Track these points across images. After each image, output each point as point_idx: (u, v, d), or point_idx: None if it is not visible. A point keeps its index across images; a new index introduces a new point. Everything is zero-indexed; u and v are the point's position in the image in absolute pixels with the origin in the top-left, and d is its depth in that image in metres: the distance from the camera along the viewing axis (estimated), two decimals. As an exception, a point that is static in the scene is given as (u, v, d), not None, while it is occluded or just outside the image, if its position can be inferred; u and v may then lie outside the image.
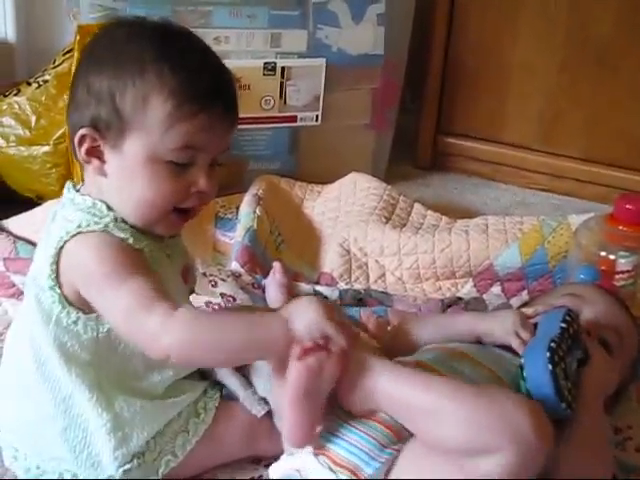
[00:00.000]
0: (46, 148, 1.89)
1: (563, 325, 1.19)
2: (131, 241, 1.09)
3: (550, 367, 1.11)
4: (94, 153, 1.10)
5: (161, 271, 1.12)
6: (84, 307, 1.10)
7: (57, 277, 1.09)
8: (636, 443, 1.30)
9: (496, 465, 1.00)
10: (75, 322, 1.10)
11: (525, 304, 1.48)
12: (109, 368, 1.13)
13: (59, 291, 1.09)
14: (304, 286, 1.64)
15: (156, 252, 1.13)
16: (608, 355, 1.30)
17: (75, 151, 1.12)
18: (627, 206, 1.58)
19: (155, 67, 1.07)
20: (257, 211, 1.79)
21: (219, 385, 1.23)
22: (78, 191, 1.14)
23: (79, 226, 1.08)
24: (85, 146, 1.10)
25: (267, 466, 1.21)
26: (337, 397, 1.11)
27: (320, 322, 1.04)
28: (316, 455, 1.10)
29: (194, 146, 1.08)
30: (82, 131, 1.09)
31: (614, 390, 1.33)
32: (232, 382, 1.22)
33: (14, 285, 1.57)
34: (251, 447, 1.22)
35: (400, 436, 1.09)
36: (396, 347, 1.30)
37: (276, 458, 1.17)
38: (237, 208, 1.86)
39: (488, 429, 1.01)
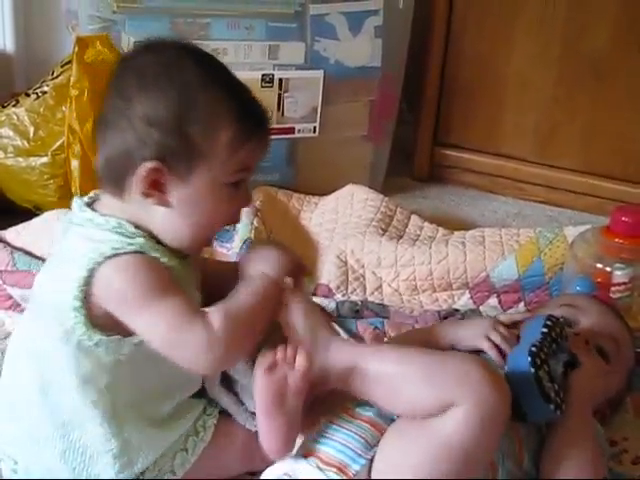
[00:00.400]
0: (44, 159, 1.89)
1: (544, 330, 1.20)
2: (163, 260, 1.09)
3: (532, 370, 1.12)
4: (157, 186, 1.08)
5: (185, 287, 1.12)
6: (107, 329, 1.08)
7: (85, 298, 1.06)
8: (632, 456, 1.31)
9: (461, 419, 1.02)
10: (97, 344, 1.08)
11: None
12: (125, 392, 1.12)
13: (84, 312, 1.06)
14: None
15: (182, 269, 1.13)
16: (605, 363, 1.30)
17: (121, 182, 1.09)
18: (623, 218, 1.58)
19: (216, 94, 1.07)
20: (254, 222, 1.80)
21: (216, 402, 1.23)
22: (90, 207, 1.12)
23: (113, 248, 1.06)
24: (149, 180, 1.07)
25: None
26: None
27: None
28: (305, 457, 1.11)
29: (248, 167, 1.11)
30: (149, 165, 1.06)
31: (610, 399, 1.34)
32: (225, 401, 1.23)
33: (11, 297, 1.57)
34: (248, 463, 1.22)
35: None
36: None
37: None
38: (234, 219, 1.86)
39: (445, 384, 1.04)
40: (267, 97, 1.98)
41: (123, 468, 1.12)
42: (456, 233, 1.88)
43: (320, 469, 1.09)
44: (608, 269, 1.57)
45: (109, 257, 1.05)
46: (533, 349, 1.14)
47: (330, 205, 1.97)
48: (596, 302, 1.42)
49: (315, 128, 2.06)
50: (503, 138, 2.27)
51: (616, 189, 2.17)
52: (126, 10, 1.79)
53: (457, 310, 1.69)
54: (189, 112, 1.06)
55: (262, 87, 1.97)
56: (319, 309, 1.21)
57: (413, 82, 2.25)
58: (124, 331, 1.08)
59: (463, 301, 1.72)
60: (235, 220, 1.15)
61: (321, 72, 2.01)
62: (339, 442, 1.11)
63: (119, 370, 1.10)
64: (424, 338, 1.33)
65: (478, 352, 1.28)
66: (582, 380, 1.21)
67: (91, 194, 1.16)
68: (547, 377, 1.14)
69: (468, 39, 2.22)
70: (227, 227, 1.81)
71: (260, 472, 1.22)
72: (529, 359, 1.13)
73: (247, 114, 1.09)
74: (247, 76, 1.93)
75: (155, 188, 1.08)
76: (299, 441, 1.13)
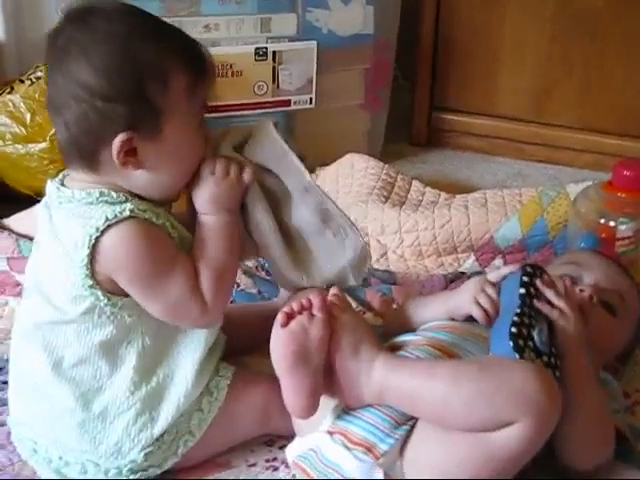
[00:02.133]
0: (42, 145, 1.89)
1: (522, 291, 1.18)
2: (154, 219, 1.11)
3: (517, 356, 1.09)
4: (132, 153, 1.09)
5: (177, 238, 1.15)
6: (125, 292, 1.12)
7: (94, 275, 1.09)
8: (644, 407, 1.31)
9: (514, 436, 1.01)
10: (121, 308, 1.12)
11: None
12: (148, 346, 1.15)
13: (99, 287, 1.09)
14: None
15: (171, 222, 1.14)
16: (612, 317, 1.31)
17: (94, 158, 1.10)
18: (625, 172, 1.58)
19: (160, 49, 1.09)
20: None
21: (229, 365, 1.25)
22: (64, 185, 1.14)
23: (107, 219, 1.07)
24: (124, 150, 1.08)
25: (281, 448, 1.23)
26: (342, 398, 1.11)
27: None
28: (331, 434, 1.11)
29: (205, 105, 1.15)
30: (121, 137, 1.07)
31: (620, 352, 1.34)
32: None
33: (19, 284, 1.58)
34: (265, 425, 1.24)
35: None
36: (399, 325, 1.30)
37: (291, 438, 1.18)
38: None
39: (498, 404, 1.01)
40: (262, 70, 1.98)
41: (144, 427, 1.14)
42: (458, 197, 1.87)
43: (347, 448, 1.09)
44: (612, 224, 1.57)
45: (104, 230, 1.07)
46: (513, 330, 1.11)
47: (331, 175, 1.97)
48: (598, 257, 1.43)
49: (311, 99, 2.05)
50: (500, 99, 2.27)
51: (614, 144, 2.17)
52: (115, -10, 1.79)
53: (463, 273, 1.69)
54: (142, 75, 1.07)
55: (256, 61, 1.97)
56: (363, 320, 1.20)
57: (407, 48, 2.24)
58: None
59: (468, 264, 1.73)
60: (208, 155, 1.16)
61: (314, 43, 2.01)
62: (366, 421, 1.10)
63: (143, 325, 1.14)
64: (424, 314, 1.30)
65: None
66: (566, 332, 1.17)
67: (60, 175, 1.17)
68: (532, 354, 1.11)
69: (460, 0, 2.21)
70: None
71: (278, 439, 1.24)
72: (511, 344, 1.10)
73: (193, 58, 1.12)
74: (240, 50, 1.95)
75: (130, 155, 1.09)
76: (327, 418, 1.12)
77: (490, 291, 1.25)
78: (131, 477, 1.15)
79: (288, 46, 1.99)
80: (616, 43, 2.12)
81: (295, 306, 1.10)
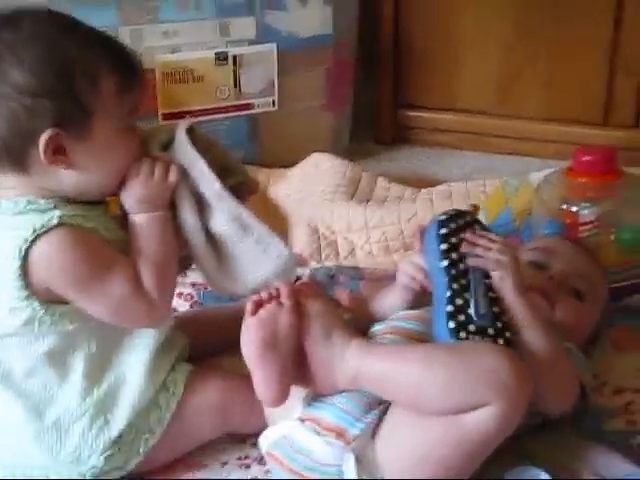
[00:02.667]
0: None
1: (443, 247, 1.18)
2: (84, 224, 1.11)
3: (458, 342, 1.10)
4: (60, 152, 1.10)
5: (112, 242, 1.14)
6: (62, 301, 1.11)
7: (28, 286, 1.08)
8: (612, 387, 1.32)
9: (486, 418, 1.02)
10: (61, 316, 1.11)
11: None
12: (94, 351, 1.15)
13: (35, 298, 1.09)
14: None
15: (103, 223, 1.14)
16: (579, 302, 1.32)
17: (23, 158, 1.09)
18: (585, 158, 1.59)
19: (89, 50, 1.10)
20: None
21: (184, 360, 1.25)
22: None
23: (34, 230, 1.07)
24: (52, 148, 1.08)
25: (253, 445, 1.22)
26: (314, 386, 1.12)
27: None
28: (302, 421, 1.12)
29: (135, 107, 1.15)
30: (48, 134, 1.07)
31: (589, 335, 1.35)
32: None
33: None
34: (227, 421, 1.23)
35: None
36: (366, 317, 1.31)
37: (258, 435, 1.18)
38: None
39: (470, 388, 1.02)
40: (223, 75, 1.99)
41: (100, 431, 1.14)
42: (423, 190, 1.89)
43: (318, 433, 1.09)
44: (574, 209, 1.58)
45: (34, 240, 1.07)
46: (451, 324, 1.11)
47: (296, 176, 1.98)
48: (566, 243, 1.44)
49: (274, 102, 2.06)
50: (464, 93, 2.28)
51: (580, 133, 2.18)
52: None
53: (431, 265, 1.70)
54: (71, 73, 1.08)
55: (216, 65, 1.97)
56: (334, 307, 1.19)
57: (368, 46, 2.25)
58: None
59: (436, 256, 1.73)
60: (138, 157, 1.16)
61: (274, 45, 2.01)
62: (338, 407, 1.11)
63: (86, 331, 1.14)
64: (385, 304, 1.31)
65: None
66: (505, 281, 1.17)
67: None
68: (469, 335, 1.11)
69: (418, -4, 2.22)
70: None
71: (247, 436, 1.24)
72: (452, 325, 1.11)
73: (122, 60, 1.13)
74: (200, 55, 1.95)
75: (59, 153, 1.09)
76: (299, 406, 1.13)
77: (415, 258, 1.27)
78: None
79: (248, 49, 2.00)
80: (579, 33, 2.14)
81: (264, 295, 1.12)
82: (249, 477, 1.20)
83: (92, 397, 1.15)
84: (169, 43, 1.91)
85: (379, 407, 1.10)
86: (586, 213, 1.58)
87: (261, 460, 1.21)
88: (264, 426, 1.17)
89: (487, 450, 1.07)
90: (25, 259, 1.07)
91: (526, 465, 1.15)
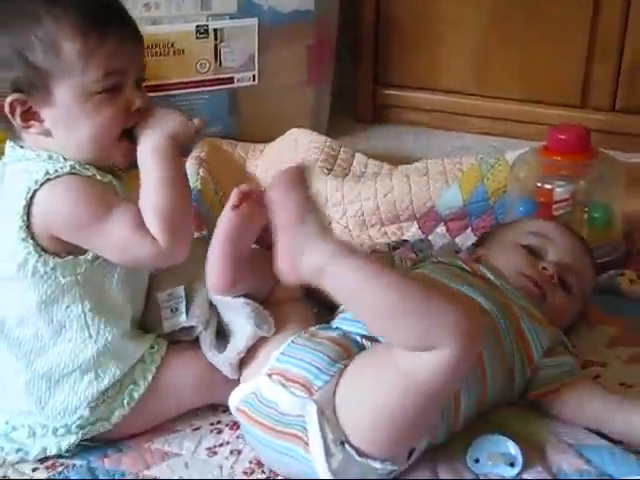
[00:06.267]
0: None
1: None
2: (98, 177, 1.13)
3: None
4: (30, 116, 1.12)
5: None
6: (58, 252, 1.13)
7: (29, 227, 1.11)
8: (581, 360, 1.34)
9: (440, 365, 1.01)
10: (53, 268, 1.13)
11: (480, 242, 1.52)
12: (91, 304, 1.16)
13: (32, 241, 1.11)
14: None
15: (119, 186, 1.17)
16: (567, 295, 1.36)
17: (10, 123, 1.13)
18: (560, 136, 1.61)
19: (49, 12, 1.09)
20: (200, 172, 1.79)
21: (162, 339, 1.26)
22: (22, 147, 1.15)
23: (47, 173, 1.10)
24: (18, 112, 1.11)
25: (225, 411, 1.24)
26: (278, 267, 1.08)
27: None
28: (270, 376, 1.13)
29: (114, 71, 1.12)
30: (8, 99, 1.10)
31: (567, 325, 1.38)
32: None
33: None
34: (208, 394, 1.24)
35: (349, 352, 1.13)
36: None
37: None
38: (181, 171, 1.86)
39: (434, 327, 1.01)
40: (203, 48, 1.99)
41: (89, 384, 1.16)
42: (400, 167, 1.90)
43: (284, 386, 1.11)
44: (549, 187, 1.60)
45: (43, 183, 1.10)
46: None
47: (275, 151, 1.98)
48: (567, 234, 1.45)
49: (254, 76, 2.06)
50: (442, 73, 2.29)
51: (556, 114, 2.18)
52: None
53: (406, 241, 1.72)
54: (28, 39, 1.08)
55: (197, 39, 1.97)
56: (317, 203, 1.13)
57: (349, 24, 2.26)
58: (76, 250, 1.14)
59: (412, 232, 1.75)
60: (128, 122, 1.15)
61: (255, 20, 2.01)
62: (302, 360, 1.13)
63: (79, 287, 1.15)
64: None
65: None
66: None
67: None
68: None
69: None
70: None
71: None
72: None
73: (91, 22, 1.10)
74: (181, 29, 1.95)
75: (31, 119, 1.12)
76: (268, 363, 1.15)
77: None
78: (80, 433, 1.17)
79: (229, 23, 2.00)
80: (558, 14, 2.15)
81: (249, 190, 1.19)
82: (220, 442, 1.22)
83: (86, 353, 1.16)
84: (150, 15, 1.91)
85: (344, 361, 1.12)
86: (561, 191, 1.60)
87: (233, 426, 1.23)
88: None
89: (442, 398, 1.08)
90: (31, 200, 1.10)
91: (494, 434, 1.17)
